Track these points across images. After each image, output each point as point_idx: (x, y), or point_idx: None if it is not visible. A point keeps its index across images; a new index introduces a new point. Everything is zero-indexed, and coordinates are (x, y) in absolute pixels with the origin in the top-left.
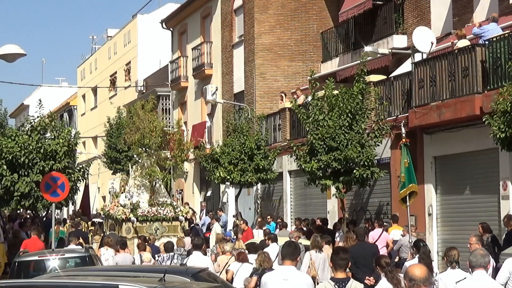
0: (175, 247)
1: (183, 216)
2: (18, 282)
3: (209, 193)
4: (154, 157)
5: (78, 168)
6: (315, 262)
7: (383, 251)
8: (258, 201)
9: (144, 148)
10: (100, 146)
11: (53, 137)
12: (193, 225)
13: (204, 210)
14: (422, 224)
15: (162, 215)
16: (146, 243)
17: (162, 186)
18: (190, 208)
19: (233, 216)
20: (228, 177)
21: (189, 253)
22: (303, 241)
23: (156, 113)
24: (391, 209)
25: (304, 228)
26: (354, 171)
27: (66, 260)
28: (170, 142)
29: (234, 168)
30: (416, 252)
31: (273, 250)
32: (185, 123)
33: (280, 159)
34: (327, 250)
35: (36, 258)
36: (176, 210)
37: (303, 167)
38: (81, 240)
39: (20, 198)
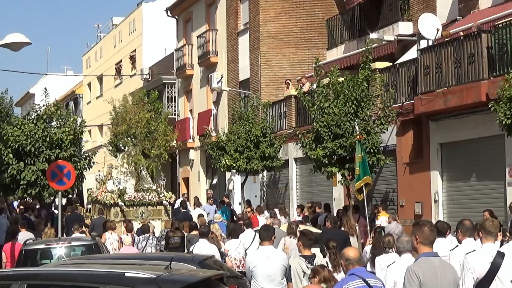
0: (162, 228)
1: (166, 201)
2: (25, 270)
3: (215, 181)
4: (139, 146)
5: (84, 156)
6: (288, 248)
7: None
8: (264, 189)
9: (130, 138)
10: (106, 135)
11: (59, 125)
12: (184, 210)
13: (211, 198)
14: (428, 210)
15: (147, 200)
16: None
17: (147, 174)
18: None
19: (239, 204)
20: (234, 165)
21: (188, 239)
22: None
23: (142, 105)
24: (397, 195)
25: (308, 215)
26: None
27: (73, 248)
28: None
29: (240, 156)
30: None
31: (248, 235)
32: (191, 111)
33: (286, 146)
34: None
35: (43, 246)
36: (160, 196)
37: (308, 154)
38: (84, 229)
39: (27, 186)
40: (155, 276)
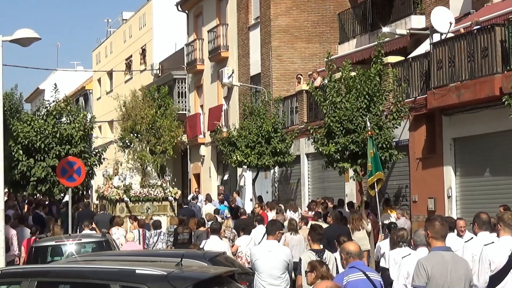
0: (168, 224)
1: (172, 196)
2: (35, 267)
3: (226, 177)
4: (145, 142)
5: (94, 152)
6: (289, 244)
7: None
8: (276, 185)
9: (135, 134)
10: (116, 131)
11: (68, 121)
12: (186, 206)
13: (222, 194)
14: (441, 206)
15: (152, 195)
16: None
17: (153, 169)
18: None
19: (250, 200)
20: (245, 161)
21: (197, 235)
22: (324, 224)
23: (147, 101)
24: (410, 191)
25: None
26: None
27: (83, 245)
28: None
29: (251, 152)
30: (388, 233)
31: (259, 231)
32: (202, 106)
33: (298, 142)
34: (305, 231)
35: (53, 243)
36: (166, 191)
37: (320, 150)
38: (94, 225)
39: (37, 183)
40: (166, 273)
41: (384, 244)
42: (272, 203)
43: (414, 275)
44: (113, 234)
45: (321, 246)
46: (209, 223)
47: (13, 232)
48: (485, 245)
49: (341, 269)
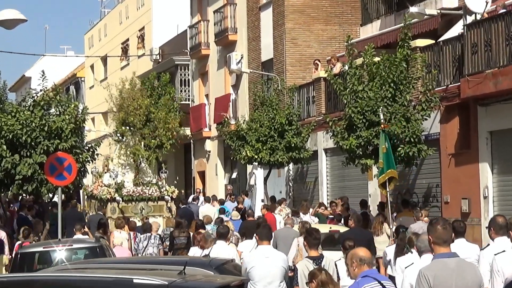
0: (164, 227)
1: (168, 196)
2: (20, 276)
3: (234, 175)
4: (138, 135)
5: (87, 147)
6: (302, 249)
7: None
8: (290, 184)
9: (128, 127)
10: (112, 123)
11: (58, 113)
12: (184, 206)
13: (230, 194)
14: (476, 208)
15: (147, 194)
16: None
17: (147, 166)
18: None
19: (261, 201)
20: (256, 157)
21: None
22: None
23: (140, 91)
24: (441, 191)
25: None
26: (399, 148)
27: (74, 251)
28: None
29: (262, 147)
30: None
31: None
32: (207, 96)
33: (315, 135)
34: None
35: (41, 249)
36: (162, 190)
37: (340, 144)
38: (86, 229)
39: (22, 182)
40: (167, 283)
41: (390, 250)
42: (272, 205)
43: (415, 285)
44: (115, 238)
45: (319, 252)
46: (208, 226)
47: (2, 234)
48: (496, 254)
49: (344, 277)
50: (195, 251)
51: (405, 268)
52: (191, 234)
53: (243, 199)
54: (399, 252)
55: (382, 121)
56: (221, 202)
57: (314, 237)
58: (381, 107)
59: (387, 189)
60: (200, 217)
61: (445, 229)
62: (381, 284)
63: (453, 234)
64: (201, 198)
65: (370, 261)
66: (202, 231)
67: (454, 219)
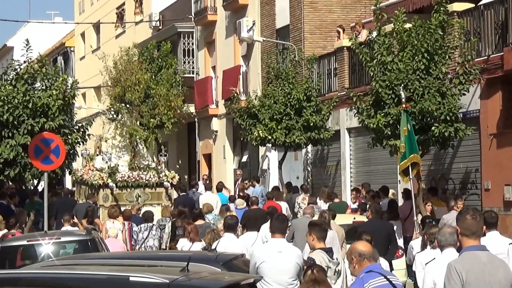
0: (160, 216)
1: (168, 181)
2: (2, 273)
3: (244, 158)
4: (136, 114)
5: (77, 127)
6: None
7: None
8: (309, 168)
9: (125, 104)
10: (105, 100)
11: (44, 87)
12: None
13: (240, 180)
14: None
15: (144, 180)
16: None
17: (145, 148)
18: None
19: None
20: (270, 138)
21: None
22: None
23: (140, 64)
24: (481, 176)
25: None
26: (433, 128)
27: (62, 245)
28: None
29: (276, 126)
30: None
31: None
32: (214, 68)
33: (336, 113)
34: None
35: (24, 242)
36: (160, 175)
37: (366, 123)
38: (75, 220)
39: (3, 166)
40: (168, 281)
41: (416, 244)
42: (278, 192)
43: (445, 281)
44: (108, 229)
45: (326, 245)
46: (208, 215)
47: None
48: (426, 263)
49: (348, 274)
50: (183, 243)
51: (426, 264)
52: None
53: (248, 186)
54: (425, 247)
55: (403, 100)
56: (219, 189)
57: (322, 228)
58: (402, 86)
59: (410, 176)
60: (201, 206)
61: (475, 220)
62: (387, 279)
63: (484, 227)
64: (201, 185)
65: (371, 255)
66: (201, 222)
67: (488, 209)
